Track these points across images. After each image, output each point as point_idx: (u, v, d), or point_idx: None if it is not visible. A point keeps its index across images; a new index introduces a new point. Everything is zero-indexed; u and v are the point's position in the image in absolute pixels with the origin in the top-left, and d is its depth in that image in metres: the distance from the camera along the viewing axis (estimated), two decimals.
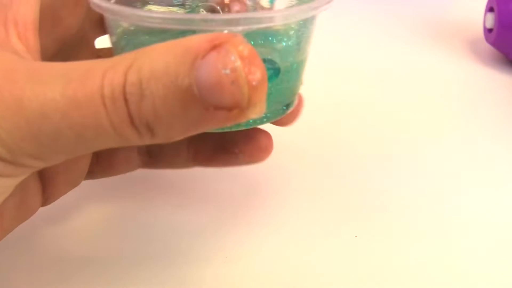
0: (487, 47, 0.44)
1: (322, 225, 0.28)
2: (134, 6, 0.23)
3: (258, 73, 0.16)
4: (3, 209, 0.21)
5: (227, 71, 0.15)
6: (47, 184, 0.23)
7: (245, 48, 0.16)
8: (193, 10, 0.24)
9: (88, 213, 0.28)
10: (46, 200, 0.24)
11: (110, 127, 0.16)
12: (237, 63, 0.15)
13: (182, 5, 0.24)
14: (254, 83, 0.16)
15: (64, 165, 0.23)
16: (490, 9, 0.42)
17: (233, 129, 0.22)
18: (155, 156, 0.27)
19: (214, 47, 0.15)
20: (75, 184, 0.25)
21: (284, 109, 0.23)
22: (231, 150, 0.25)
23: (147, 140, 0.17)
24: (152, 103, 0.16)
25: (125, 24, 0.20)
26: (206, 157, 0.26)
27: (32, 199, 0.23)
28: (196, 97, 0.15)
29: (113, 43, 0.22)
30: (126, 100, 0.16)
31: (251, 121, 0.21)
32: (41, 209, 0.24)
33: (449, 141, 0.34)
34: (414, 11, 0.51)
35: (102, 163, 0.26)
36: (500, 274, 0.25)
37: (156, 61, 0.16)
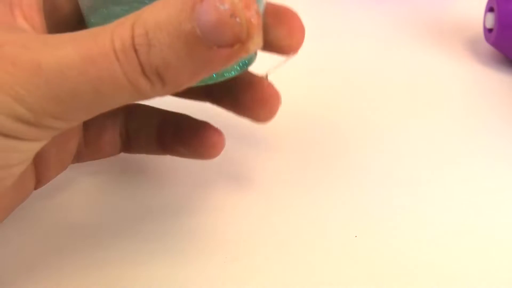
0: (487, 47, 0.44)
1: (322, 225, 0.28)
2: None
3: (253, 6, 0.17)
4: (5, 188, 0.22)
5: (225, 7, 0.17)
6: (39, 167, 0.24)
7: None
8: None
9: (88, 212, 0.28)
10: (37, 183, 0.25)
11: (124, 78, 0.17)
12: None
13: None
14: (250, 15, 0.17)
15: (55, 147, 0.24)
16: (490, 9, 0.42)
17: (219, 79, 0.22)
18: (133, 139, 0.28)
19: None
20: (64, 167, 0.26)
21: (255, 55, 0.24)
22: (185, 142, 0.27)
23: (159, 89, 0.18)
24: (159, 50, 0.17)
25: None
26: (167, 146, 0.28)
27: (27, 181, 0.24)
28: (199, 38, 0.17)
29: (85, 15, 0.22)
30: (136, 51, 0.17)
31: (237, 66, 0.23)
32: None
33: (449, 141, 0.34)
34: (413, 11, 0.51)
35: (90, 145, 0.27)
36: (500, 275, 0.25)
37: (159, 13, 0.17)
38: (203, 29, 0.17)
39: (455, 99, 0.39)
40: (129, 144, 0.28)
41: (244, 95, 0.25)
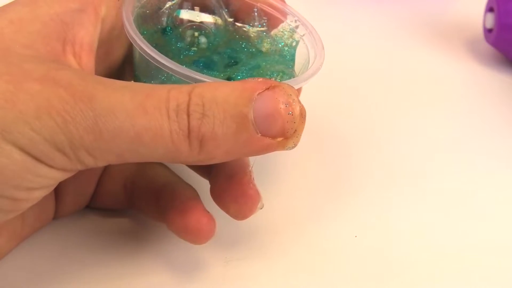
0: (487, 47, 0.44)
1: (322, 225, 0.28)
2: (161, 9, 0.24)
3: (304, 111, 0.20)
4: (27, 214, 0.23)
5: (285, 105, 0.19)
6: (58, 202, 0.26)
7: (294, 90, 0.20)
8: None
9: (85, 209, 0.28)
10: (55, 215, 0.26)
11: (168, 135, 0.18)
12: (294, 98, 0.19)
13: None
14: (302, 117, 0.19)
15: (75, 188, 0.26)
16: (490, 9, 0.42)
17: None
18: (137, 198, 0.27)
19: (269, 88, 0.19)
20: (79, 207, 0.27)
21: None
22: (171, 218, 0.24)
23: (193, 155, 0.19)
24: (212, 122, 0.19)
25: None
26: (163, 215, 0.25)
27: (48, 211, 0.25)
28: (250, 122, 0.19)
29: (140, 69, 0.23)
30: (188, 116, 0.19)
31: None
32: None
33: (449, 140, 0.34)
34: (413, 11, 0.51)
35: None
36: (500, 276, 0.25)
37: (217, 91, 0.19)
38: (257, 115, 0.19)
39: (455, 99, 0.39)
40: (132, 200, 0.27)
41: (222, 185, 0.23)
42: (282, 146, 0.20)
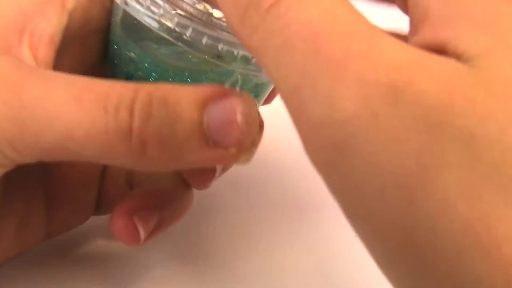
0: None
1: (322, 225, 0.28)
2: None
3: (262, 123, 0.18)
4: (1, 227, 0.21)
5: (243, 115, 0.17)
6: (53, 214, 0.23)
7: (254, 101, 0.18)
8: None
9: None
10: (51, 231, 0.23)
11: (103, 130, 0.16)
12: (254, 109, 0.17)
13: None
14: (260, 130, 0.18)
15: (71, 196, 0.23)
16: None
17: None
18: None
19: (227, 95, 0.17)
20: (82, 218, 0.24)
21: None
22: None
23: (134, 157, 0.17)
24: (159, 123, 0.16)
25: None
26: None
27: (35, 225, 0.22)
28: (202, 130, 0.17)
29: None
30: (131, 114, 0.16)
31: None
32: None
33: None
34: None
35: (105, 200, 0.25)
36: None
37: (168, 92, 0.17)
38: (211, 124, 0.17)
39: None
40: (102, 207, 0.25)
41: None
42: (235, 159, 0.17)
